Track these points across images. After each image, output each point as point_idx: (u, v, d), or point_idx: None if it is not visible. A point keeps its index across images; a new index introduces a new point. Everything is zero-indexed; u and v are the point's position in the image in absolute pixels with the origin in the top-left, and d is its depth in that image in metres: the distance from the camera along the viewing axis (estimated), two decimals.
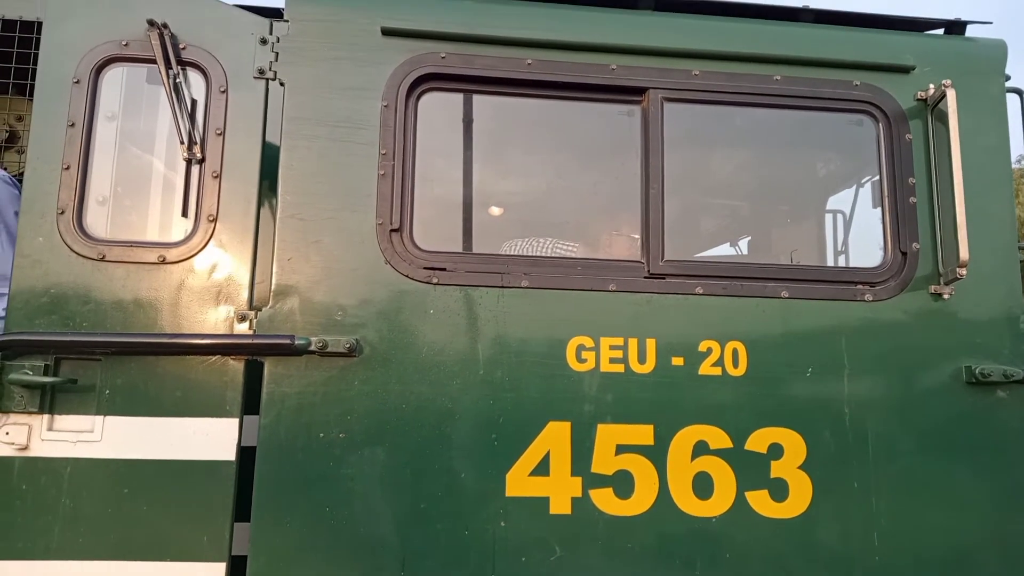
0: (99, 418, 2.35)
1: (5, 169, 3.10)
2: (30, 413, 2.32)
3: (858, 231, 3.71)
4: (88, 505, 2.32)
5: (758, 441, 2.54)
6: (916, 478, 2.58)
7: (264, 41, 2.58)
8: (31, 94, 2.75)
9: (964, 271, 2.57)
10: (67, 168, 2.44)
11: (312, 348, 2.38)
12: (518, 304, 2.54)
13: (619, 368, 2.54)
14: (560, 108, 2.85)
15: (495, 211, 3.68)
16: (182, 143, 2.48)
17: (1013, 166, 3.06)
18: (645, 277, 2.61)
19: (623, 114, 2.78)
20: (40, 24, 2.63)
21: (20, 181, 2.81)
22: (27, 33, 2.92)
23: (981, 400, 2.64)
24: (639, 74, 2.70)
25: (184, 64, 2.55)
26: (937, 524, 2.57)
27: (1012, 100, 2.94)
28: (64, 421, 2.35)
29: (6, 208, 2.79)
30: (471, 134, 2.86)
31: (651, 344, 2.56)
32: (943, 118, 2.70)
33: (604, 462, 2.49)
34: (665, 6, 2.84)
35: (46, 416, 2.33)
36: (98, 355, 2.37)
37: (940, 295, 2.68)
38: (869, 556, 2.52)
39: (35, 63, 2.65)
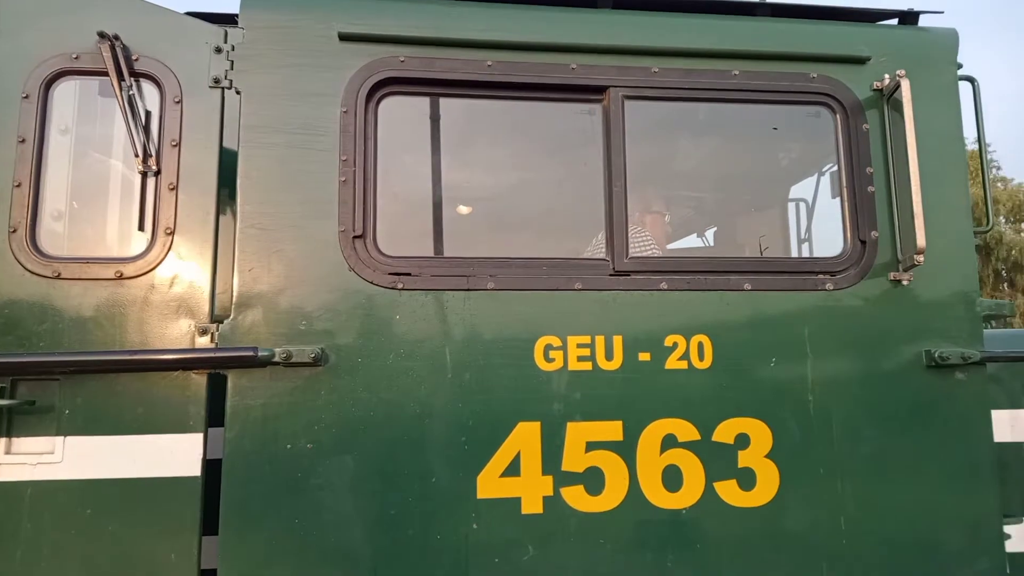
0: (59, 439, 2.31)
1: None
2: None
3: (821, 219, 3.76)
4: (51, 528, 2.28)
5: (725, 432, 2.57)
6: (880, 462, 2.63)
7: (219, 50, 2.54)
8: None
9: (922, 257, 2.62)
10: (18, 185, 2.39)
11: (276, 359, 2.35)
12: (485, 306, 2.54)
13: (587, 366, 2.55)
14: (522, 108, 2.85)
15: (463, 210, 3.68)
16: (137, 156, 2.44)
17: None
18: (610, 275, 2.62)
19: (585, 113, 2.79)
20: None
21: None
22: None
23: (941, 383, 2.70)
24: (599, 73, 2.70)
25: (137, 76, 2.50)
26: (901, 505, 2.63)
27: (964, 88, 2.98)
28: (23, 443, 2.31)
29: None
30: (432, 137, 2.85)
31: (618, 341, 2.58)
32: (899, 107, 2.75)
33: (574, 460, 2.50)
34: (624, 4, 2.84)
35: (3, 439, 2.29)
36: (56, 375, 2.33)
37: (899, 282, 2.72)
38: (836, 540, 2.57)
39: None
